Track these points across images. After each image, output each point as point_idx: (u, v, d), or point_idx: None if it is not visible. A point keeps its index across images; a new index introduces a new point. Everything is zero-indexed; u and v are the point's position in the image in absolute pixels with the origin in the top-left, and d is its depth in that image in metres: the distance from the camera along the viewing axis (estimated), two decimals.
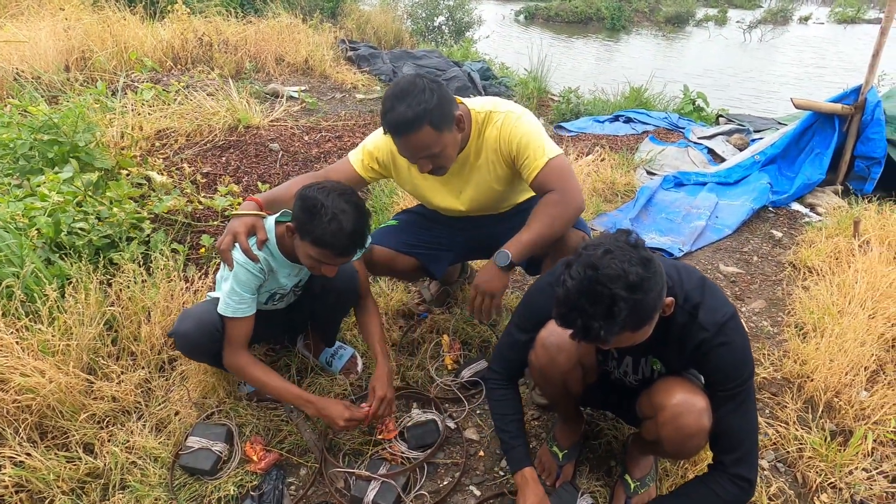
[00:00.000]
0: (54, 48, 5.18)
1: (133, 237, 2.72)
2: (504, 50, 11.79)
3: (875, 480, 1.96)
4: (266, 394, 2.02)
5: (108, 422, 2.01)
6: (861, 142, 4.08)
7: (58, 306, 2.16)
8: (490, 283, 1.86)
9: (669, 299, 1.32)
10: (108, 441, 1.93)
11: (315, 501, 1.81)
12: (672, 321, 1.39)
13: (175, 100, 4.38)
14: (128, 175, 3.18)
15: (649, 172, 4.29)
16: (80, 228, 2.61)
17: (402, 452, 1.91)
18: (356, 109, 5.25)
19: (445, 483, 1.87)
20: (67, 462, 1.83)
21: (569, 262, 1.24)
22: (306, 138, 4.09)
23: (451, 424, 2.06)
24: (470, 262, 2.80)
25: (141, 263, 2.49)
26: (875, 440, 2.07)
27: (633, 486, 1.77)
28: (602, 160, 4.33)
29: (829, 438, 2.06)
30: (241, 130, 4.03)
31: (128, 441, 1.91)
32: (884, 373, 2.36)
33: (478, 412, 2.14)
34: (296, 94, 5.19)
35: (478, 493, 1.85)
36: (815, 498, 1.92)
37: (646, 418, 1.58)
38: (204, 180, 3.37)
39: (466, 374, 2.21)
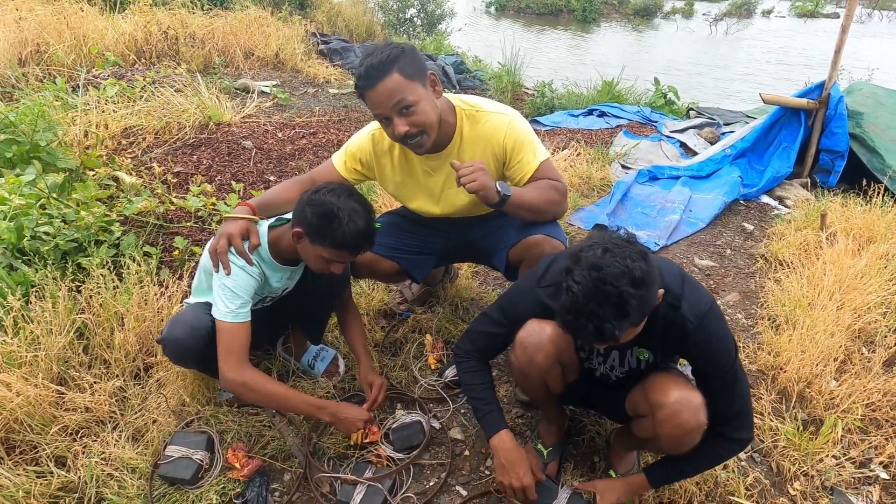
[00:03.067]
0: (5, 40, 4.96)
1: (102, 240, 2.64)
2: (476, 42, 11.76)
3: (843, 467, 2.03)
4: (281, 409, 1.98)
5: (81, 434, 1.95)
6: (825, 136, 4.19)
7: (23, 315, 2.08)
8: (488, 181, 1.74)
9: (661, 290, 1.35)
10: (82, 453, 1.87)
11: None
12: (656, 312, 1.42)
13: (141, 96, 4.25)
14: (94, 176, 3.08)
15: (624, 166, 4.34)
16: (45, 233, 2.52)
17: (388, 455, 1.90)
18: (330, 104, 5.17)
19: (432, 484, 1.87)
20: (38, 477, 1.77)
21: (568, 268, 1.24)
22: (280, 135, 4.01)
23: (436, 424, 2.06)
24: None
25: (111, 268, 2.41)
26: (844, 428, 2.14)
27: None
28: (578, 154, 4.36)
29: (801, 428, 2.12)
30: (213, 128, 3.93)
31: (103, 452, 1.86)
32: (851, 362, 2.44)
33: (462, 411, 2.14)
34: (267, 90, 5.09)
35: (464, 492, 1.85)
36: (788, 486, 1.97)
37: (639, 416, 1.60)
38: (175, 180, 3.29)
39: (450, 373, 2.20)
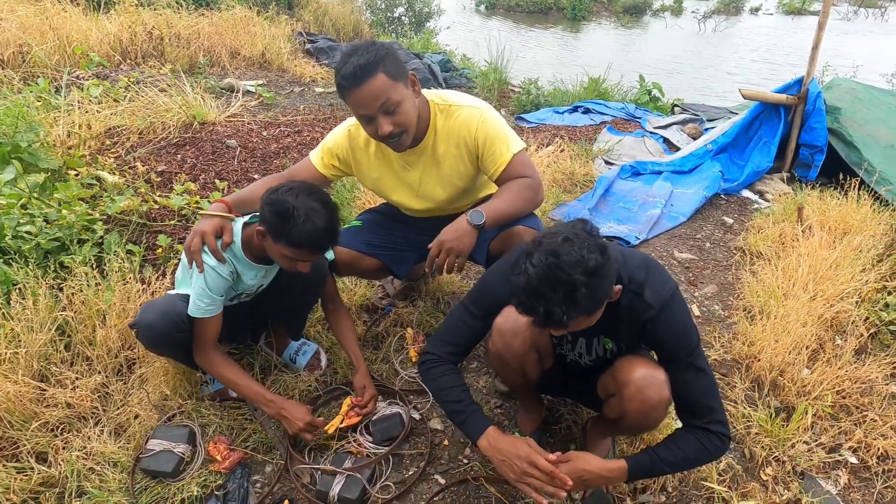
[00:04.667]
0: None
1: (85, 239, 2.65)
2: (464, 41, 11.79)
3: (814, 452, 2.08)
4: (232, 390, 2.03)
5: (62, 429, 1.97)
6: (805, 131, 4.26)
7: (3, 313, 2.09)
8: (458, 241, 1.80)
9: (618, 287, 1.39)
10: (63, 449, 1.89)
11: (280, 497, 1.82)
12: (619, 304, 1.46)
13: (125, 96, 4.25)
14: (77, 175, 3.08)
15: (607, 162, 4.38)
16: (27, 232, 2.53)
17: (371, 448, 1.93)
18: (316, 103, 5.19)
19: (411, 473, 1.90)
20: (18, 473, 1.78)
21: (528, 252, 1.28)
22: (264, 134, 4.03)
23: (416, 415, 2.09)
24: None
25: (94, 266, 2.43)
26: (814, 414, 2.20)
27: None
28: (561, 151, 4.41)
29: (773, 415, 2.17)
30: (197, 127, 3.94)
31: (84, 447, 1.87)
32: (823, 351, 2.49)
33: None
34: (252, 89, 5.10)
35: (442, 481, 1.88)
36: (760, 471, 2.02)
37: (609, 396, 1.64)
38: (159, 179, 3.30)
39: None
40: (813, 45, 4.20)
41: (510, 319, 1.57)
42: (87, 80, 4.55)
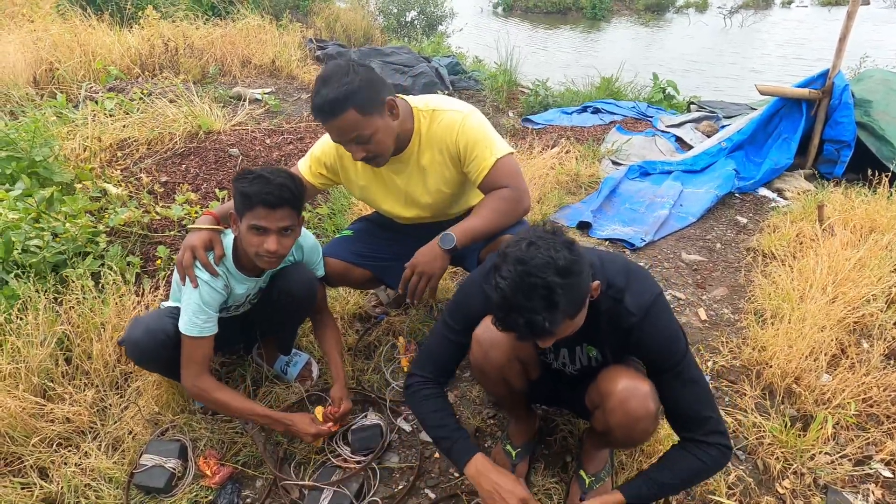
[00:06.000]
0: (23, 61, 5.10)
1: (88, 252, 2.67)
2: (477, 43, 11.73)
3: (839, 464, 1.97)
4: (234, 416, 1.99)
5: (61, 444, 1.97)
6: (830, 126, 4.09)
7: (4, 329, 2.11)
8: (429, 265, 1.82)
9: (595, 283, 1.32)
10: (62, 464, 1.88)
11: None
12: (599, 307, 1.40)
13: (137, 108, 4.30)
14: (83, 188, 3.12)
15: (615, 163, 4.28)
16: (36, 246, 2.55)
17: (353, 457, 1.89)
18: None
19: (400, 487, 1.86)
20: (22, 488, 1.79)
21: (496, 265, 1.23)
22: (267, 142, 4.02)
23: (407, 427, 2.05)
24: None
25: (96, 279, 2.44)
26: (836, 424, 2.08)
27: (588, 481, 1.77)
28: (567, 152, 4.32)
29: (788, 424, 2.06)
30: (202, 136, 3.96)
31: (81, 463, 1.87)
32: (845, 356, 2.37)
33: None
34: (259, 97, 5.12)
35: (433, 495, 1.83)
36: (777, 484, 1.92)
37: (595, 408, 1.57)
38: (162, 189, 3.31)
39: None
40: (840, 35, 4.02)
41: (488, 329, 1.51)
42: (104, 93, 4.63)
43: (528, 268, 1.16)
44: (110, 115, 4.18)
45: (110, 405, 2.10)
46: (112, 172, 3.45)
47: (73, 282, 2.34)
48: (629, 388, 1.41)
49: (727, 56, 14.05)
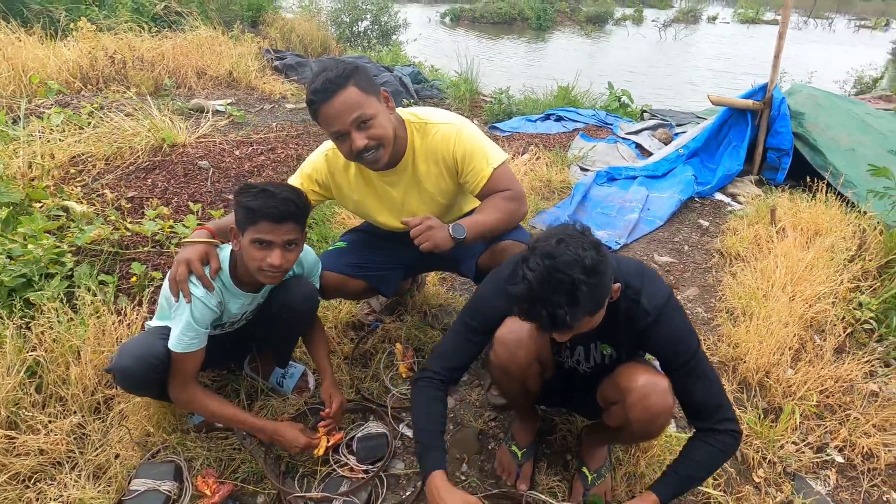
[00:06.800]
0: None
1: (53, 273, 2.55)
2: (432, 52, 11.85)
3: (803, 452, 2.11)
4: (218, 423, 1.97)
5: (34, 479, 1.85)
6: (771, 135, 4.38)
7: None
8: (439, 234, 1.79)
9: (616, 284, 1.39)
10: (36, 500, 1.77)
11: None
12: (617, 307, 1.46)
13: (89, 123, 4.13)
14: (41, 208, 2.97)
15: (583, 168, 4.43)
16: None
17: (360, 466, 1.88)
18: (287, 119, 5.13)
19: (408, 493, 1.86)
20: None
21: (524, 257, 1.28)
22: (237, 153, 3.95)
23: (409, 433, 2.05)
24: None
25: (65, 301, 2.33)
26: (801, 414, 2.22)
27: (590, 477, 1.83)
28: (537, 158, 4.44)
29: (762, 416, 2.19)
30: (167, 150, 3.84)
31: (61, 496, 1.77)
32: (805, 351, 2.54)
33: None
34: (222, 108, 5.01)
35: None
36: (753, 474, 2.03)
37: (610, 405, 1.63)
38: (129, 205, 3.20)
39: None
40: (774, 53, 4.33)
41: (514, 330, 1.55)
42: (49, 108, 4.41)
43: (555, 263, 1.22)
44: (59, 131, 3.99)
45: (90, 431, 2.01)
46: (71, 189, 3.30)
47: (44, 304, 2.23)
48: (649, 384, 1.47)
49: (663, 68, 14.76)
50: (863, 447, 2.14)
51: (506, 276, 1.58)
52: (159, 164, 3.71)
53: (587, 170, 4.41)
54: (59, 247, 2.64)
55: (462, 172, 1.91)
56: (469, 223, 1.82)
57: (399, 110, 1.92)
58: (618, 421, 1.62)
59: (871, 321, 2.72)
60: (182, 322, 1.71)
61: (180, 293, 1.71)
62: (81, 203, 3.11)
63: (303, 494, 1.81)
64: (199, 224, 2.91)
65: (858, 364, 2.43)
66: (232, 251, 1.81)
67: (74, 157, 3.68)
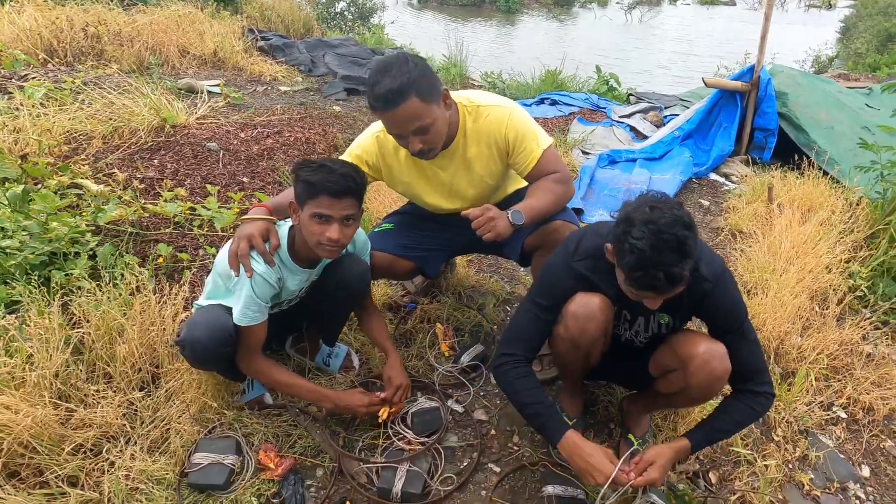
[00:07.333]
0: None
1: (69, 252, 2.50)
2: (403, 35, 11.73)
3: (814, 411, 2.29)
4: (285, 393, 2.04)
5: (93, 451, 1.87)
6: (758, 115, 4.57)
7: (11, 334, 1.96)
8: (500, 223, 1.80)
9: None
10: (95, 470, 1.80)
11: (341, 499, 1.81)
12: None
13: (77, 98, 3.97)
14: (47, 185, 2.89)
15: (584, 152, 4.53)
16: (8, 248, 2.36)
17: (416, 439, 1.95)
18: (286, 103, 5.06)
19: (465, 464, 1.94)
20: (48, 501, 1.70)
21: (624, 231, 1.36)
22: (242, 135, 3.88)
23: (459, 408, 2.13)
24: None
25: (94, 279, 2.30)
26: (813, 377, 2.40)
27: (636, 443, 1.93)
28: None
29: (779, 381, 2.36)
30: (169, 130, 3.76)
31: (128, 466, 1.80)
32: (811, 320, 2.71)
33: (482, 394, 2.23)
34: (217, 90, 4.91)
35: (497, 469, 1.93)
36: (773, 433, 2.20)
37: (667, 372, 1.74)
38: (141, 186, 3.14)
39: (466, 359, 2.28)
40: (761, 34, 4.50)
41: (583, 304, 1.63)
42: (27, 80, 4.19)
43: (659, 226, 1.31)
44: (41, 106, 3.82)
45: (139, 408, 2.02)
46: (79, 168, 3.22)
47: (78, 282, 2.20)
48: (710, 350, 1.58)
49: (633, 52, 15.06)
50: (864, 403, 2.36)
51: (571, 252, 1.66)
52: (164, 145, 3.63)
53: (588, 153, 4.52)
54: (77, 225, 2.59)
55: (513, 153, 1.96)
56: (525, 209, 1.85)
57: (452, 93, 1.95)
58: (674, 387, 1.72)
59: (864, 289, 2.92)
60: (243, 297, 1.74)
61: (241, 268, 1.73)
62: (92, 182, 3.03)
63: (369, 462, 1.87)
64: (257, 202, 2.86)
65: (855, 329, 2.63)
66: (291, 228, 1.83)
67: (66, 133, 3.56)
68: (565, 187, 1.96)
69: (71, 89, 4.17)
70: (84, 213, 2.76)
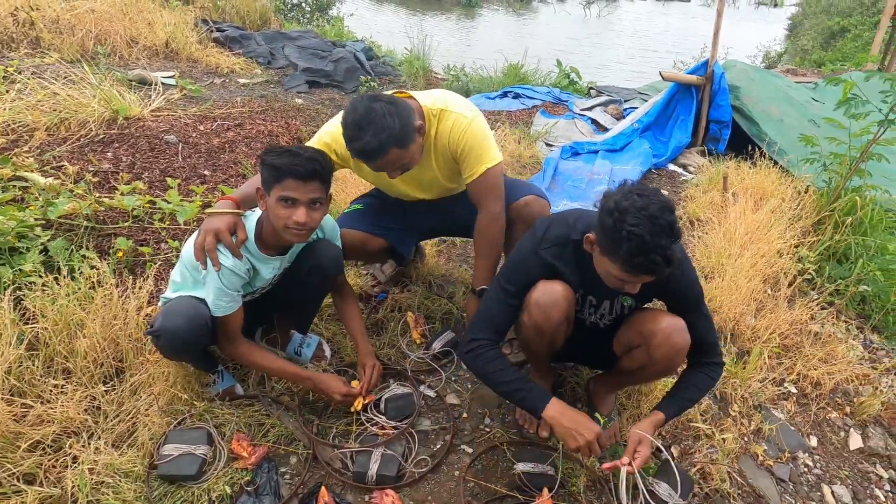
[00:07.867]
0: None
1: (17, 247, 2.40)
2: (362, 28, 11.62)
3: (766, 387, 2.42)
4: (269, 374, 2.07)
5: (52, 448, 1.81)
6: (713, 108, 4.74)
7: None
8: (470, 309, 2.10)
9: None
10: (55, 467, 1.74)
11: (316, 485, 1.81)
12: None
13: (13, 88, 3.78)
14: None
15: (548, 144, 4.61)
16: None
17: (390, 424, 1.96)
18: (246, 95, 4.96)
19: (439, 447, 1.97)
20: (3, 499, 1.64)
21: (618, 220, 1.40)
22: (201, 128, 3.78)
23: (432, 393, 2.15)
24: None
25: (41, 274, 2.21)
26: (766, 356, 2.52)
27: (603, 421, 1.99)
28: (505, 135, 4.57)
29: (735, 359, 2.47)
30: (122, 123, 3.64)
31: (93, 460, 1.74)
32: (763, 301, 2.85)
33: (453, 379, 2.26)
34: (173, 82, 4.76)
35: (470, 450, 1.97)
36: (730, 408, 2.31)
37: (630, 349, 1.81)
38: (95, 179, 3.03)
39: (437, 345, 2.30)
40: (714, 30, 4.66)
41: (547, 292, 1.68)
42: None
43: (651, 212, 1.37)
44: None
45: (102, 403, 1.96)
46: (23, 160, 3.08)
47: (35, 277, 2.12)
48: (672, 325, 1.66)
49: (591, 47, 15.33)
50: (812, 378, 2.52)
51: (538, 239, 1.70)
52: (117, 138, 3.52)
53: (552, 145, 4.59)
54: (24, 220, 2.48)
55: (460, 163, 2.01)
56: (482, 277, 2.08)
57: (420, 94, 1.98)
58: (637, 363, 1.79)
59: (812, 273, 3.08)
60: (213, 290, 1.75)
61: (209, 262, 1.71)
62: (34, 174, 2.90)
63: (344, 447, 1.87)
64: (221, 196, 2.80)
65: (803, 310, 2.78)
66: (259, 218, 1.82)
67: (4, 124, 3.40)
68: (495, 226, 2.06)
69: (4, 77, 3.96)
70: (32, 207, 2.65)
